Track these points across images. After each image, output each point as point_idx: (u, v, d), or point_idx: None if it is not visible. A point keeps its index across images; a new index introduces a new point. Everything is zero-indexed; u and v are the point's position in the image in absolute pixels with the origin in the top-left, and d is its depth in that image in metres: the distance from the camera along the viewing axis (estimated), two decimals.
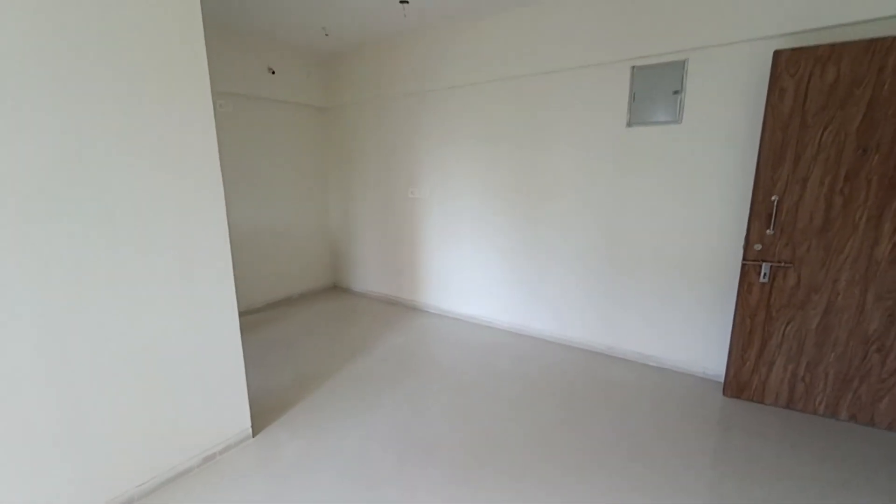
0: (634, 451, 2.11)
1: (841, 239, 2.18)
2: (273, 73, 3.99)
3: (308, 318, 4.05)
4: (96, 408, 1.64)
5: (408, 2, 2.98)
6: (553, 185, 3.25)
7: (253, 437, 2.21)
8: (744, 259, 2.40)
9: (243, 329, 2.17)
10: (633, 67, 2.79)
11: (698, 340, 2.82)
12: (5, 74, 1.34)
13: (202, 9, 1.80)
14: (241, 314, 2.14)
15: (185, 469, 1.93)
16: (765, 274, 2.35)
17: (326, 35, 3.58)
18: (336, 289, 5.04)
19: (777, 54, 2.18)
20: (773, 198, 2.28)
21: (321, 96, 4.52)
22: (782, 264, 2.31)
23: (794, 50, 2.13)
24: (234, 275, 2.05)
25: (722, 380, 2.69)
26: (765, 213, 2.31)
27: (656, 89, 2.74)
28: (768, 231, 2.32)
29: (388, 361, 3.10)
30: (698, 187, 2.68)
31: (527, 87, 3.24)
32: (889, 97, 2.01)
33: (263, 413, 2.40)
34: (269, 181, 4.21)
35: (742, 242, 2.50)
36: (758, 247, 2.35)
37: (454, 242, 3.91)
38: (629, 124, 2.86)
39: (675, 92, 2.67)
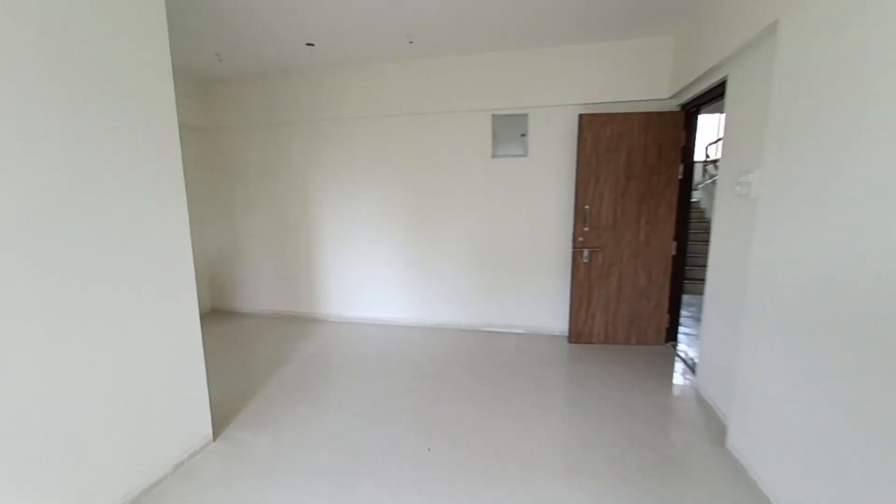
0: (519, 384, 3.00)
1: (622, 230, 3.55)
2: None
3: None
4: (84, 420, 1.63)
5: (313, 45, 3.40)
6: (438, 202, 4.06)
7: (214, 440, 2.29)
8: (573, 247, 3.61)
9: None
10: (493, 115, 3.83)
11: (548, 309, 3.97)
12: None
13: None
14: None
15: (160, 478, 1.95)
16: (586, 256, 3.59)
17: (220, 60, 3.65)
18: (216, 312, 4.79)
19: (581, 116, 3.45)
20: (586, 206, 3.54)
21: (200, 116, 4.38)
22: (595, 248, 3.59)
23: (589, 115, 3.42)
24: None
25: (566, 333, 3.88)
26: (582, 216, 3.56)
27: (510, 132, 3.83)
28: (585, 228, 3.57)
29: (310, 366, 3.35)
30: (541, 200, 3.84)
31: (414, 122, 3.99)
32: (636, 148, 3.44)
33: (215, 421, 2.45)
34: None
35: (571, 237, 3.73)
36: (581, 238, 3.58)
37: (352, 255, 4.34)
38: (493, 156, 3.88)
39: (523, 134, 3.80)
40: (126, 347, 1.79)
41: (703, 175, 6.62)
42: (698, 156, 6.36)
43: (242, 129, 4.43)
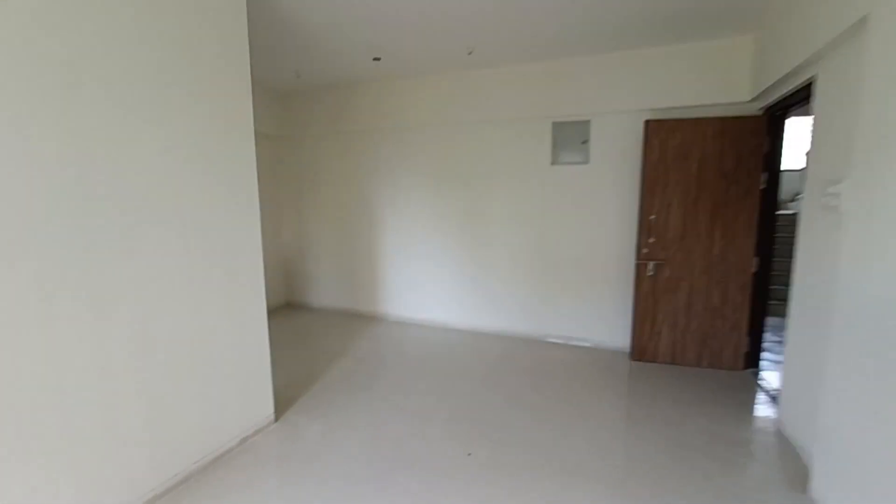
0: (570, 396, 2.88)
1: (693, 243, 3.29)
2: None
3: (274, 333, 4.21)
4: (168, 397, 1.90)
5: (379, 59, 3.63)
6: (493, 209, 4.07)
7: (275, 421, 2.51)
8: (637, 259, 3.41)
9: None
10: (553, 122, 3.78)
11: (609, 323, 3.78)
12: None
13: None
14: None
15: (227, 449, 2.19)
16: (651, 269, 3.37)
17: (298, 77, 4.04)
18: (290, 306, 5.22)
19: (647, 122, 3.27)
20: (651, 217, 3.34)
21: (275, 125, 4.84)
22: (661, 261, 3.36)
23: (656, 121, 3.24)
24: None
25: (628, 350, 3.66)
26: (647, 227, 3.36)
27: (571, 139, 3.75)
28: (650, 239, 3.36)
29: (365, 361, 3.53)
30: (602, 209, 3.69)
31: (472, 131, 4.06)
32: (709, 155, 3.18)
33: (277, 403, 2.68)
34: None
35: (634, 248, 3.54)
36: (645, 250, 3.38)
37: (410, 257, 4.50)
38: (553, 163, 3.82)
39: (584, 141, 3.70)
40: (201, 331, 2.05)
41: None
42: (791, 163, 5.67)
43: (313, 137, 4.83)
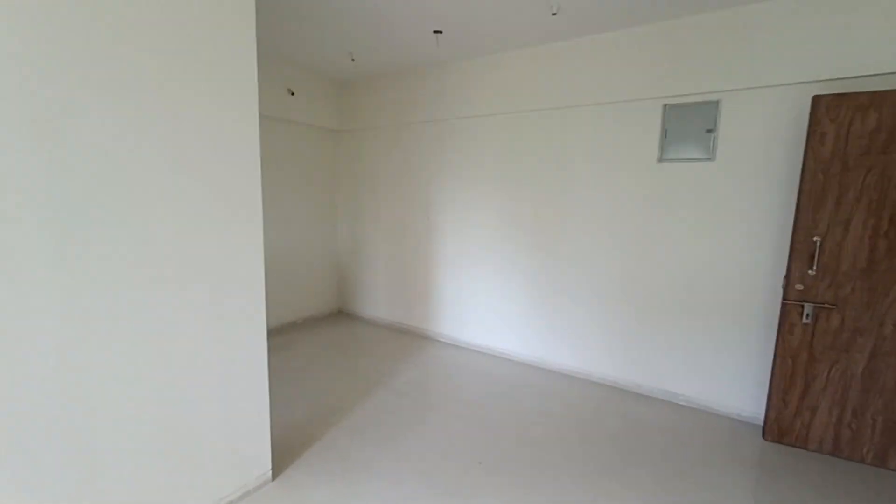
0: (677, 500, 1.99)
1: (886, 282, 2.16)
2: (293, 94, 3.94)
3: (318, 345, 3.86)
4: (116, 449, 1.46)
5: (441, 32, 3.00)
6: (576, 217, 3.22)
7: (272, 480, 2.01)
8: (784, 299, 2.37)
9: None
10: (665, 105, 2.83)
11: (733, 381, 2.74)
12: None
13: None
14: None
15: None
16: (807, 315, 2.31)
17: (353, 60, 3.57)
18: (341, 314, 4.85)
19: (816, 100, 2.22)
20: (814, 238, 2.28)
21: (336, 119, 4.49)
22: (825, 305, 2.28)
23: (834, 96, 2.18)
24: None
25: (759, 422, 2.61)
26: (806, 253, 2.30)
27: (689, 127, 2.77)
28: (810, 271, 2.30)
29: (407, 396, 2.93)
30: (732, 224, 2.67)
31: (552, 119, 3.25)
32: None
33: (281, 452, 2.20)
34: (277, 200, 4.07)
35: (780, 281, 2.48)
36: (799, 287, 2.33)
37: (471, 271, 3.82)
38: (660, 160, 2.88)
39: (709, 130, 2.70)
40: (173, 364, 1.58)
41: None
42: None
43: (371, 131, 4.35)
